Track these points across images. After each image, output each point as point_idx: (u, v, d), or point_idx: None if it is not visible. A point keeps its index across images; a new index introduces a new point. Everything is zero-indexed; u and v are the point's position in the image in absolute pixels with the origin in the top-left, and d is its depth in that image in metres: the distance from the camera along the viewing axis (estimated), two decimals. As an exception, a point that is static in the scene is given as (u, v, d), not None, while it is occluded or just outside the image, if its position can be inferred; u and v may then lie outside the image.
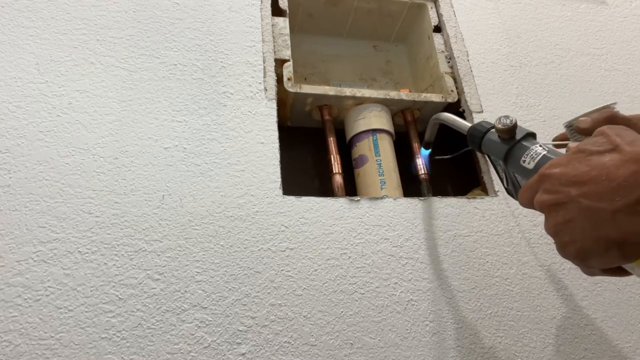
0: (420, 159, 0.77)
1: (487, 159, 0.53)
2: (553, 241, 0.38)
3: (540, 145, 0.44)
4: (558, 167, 0.37)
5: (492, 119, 0.78)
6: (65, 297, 0.52)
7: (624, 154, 0.33)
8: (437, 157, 0.72)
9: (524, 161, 0.44)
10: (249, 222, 0.61)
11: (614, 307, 0.67)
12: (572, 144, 0.41)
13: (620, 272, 0.37)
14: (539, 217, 0.71)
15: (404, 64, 0.98)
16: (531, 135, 0.47)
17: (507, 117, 0.47)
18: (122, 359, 0.50)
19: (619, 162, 0.33)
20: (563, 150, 0.43)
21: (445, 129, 0.63)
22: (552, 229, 0.37)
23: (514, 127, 0.46)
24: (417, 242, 0.65)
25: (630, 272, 0.36)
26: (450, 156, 0.69)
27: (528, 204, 0.41)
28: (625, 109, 0.49)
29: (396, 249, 0.64)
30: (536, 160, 0.43)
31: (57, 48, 0.66)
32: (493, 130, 0.49)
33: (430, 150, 0.71)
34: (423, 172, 0.76)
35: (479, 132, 0.51)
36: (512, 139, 0.47)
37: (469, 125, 0.54)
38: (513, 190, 0.50)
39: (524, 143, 0.46)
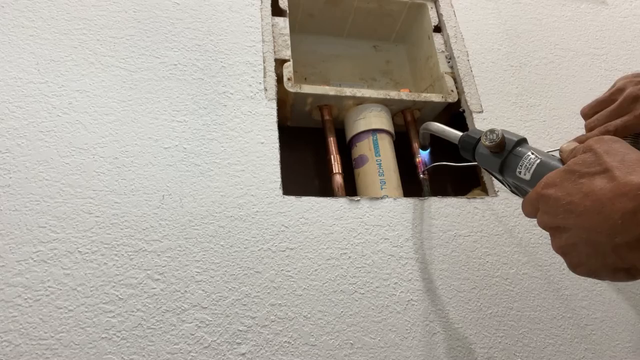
0: (420, 162, 0.77)
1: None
2: (554, 244, 0.38)
3: (532, 153, 0.44)
4: (552, 188, 0.37)
5: (492, 119, 0.79)
6: (65, 297, 0.52)
7: (615, 185, 0.33)
8: (444, 163, 0.71)
9: (520, 172, 0.44)
10: (249, 222, 0.61)
11: (614, 307, 0.67)
12: (565, 146, 0.41)
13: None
14: (539, 217, 0.71)
15: (404, 64, 0.98)
16: (522, 141, 0.46)
17: (492, 131, 0.46)
18: (122, 359, 0.50)
19: (611, 195, 0.33)
20: (556, 153, 0.43)
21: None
22: (559, 250, 0.38)
23: (502, 141, 0.46)
24: (417, 242, 0.65)
25: None
26: (457, 165, 0.68)
27: (531, 217, 0.41)
28: (625, 109, 0.49)
29: (396, 249, 0.64)
30: (531, 171, 0.43)
31: (57, 48, 0.66)
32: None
33: (428, 150, 0.71)
34: (424, 174, 0.76)
35: (469, 145, 0.51)
36: (502, 151, 0.46)
37: (459, 134, 0.53)
38: (517, 192, 0.50)
39: (516, 153, 0.45)
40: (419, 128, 0.82)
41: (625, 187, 0.32)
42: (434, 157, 0.76)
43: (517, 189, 0.49)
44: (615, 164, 0.34)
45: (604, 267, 0.35)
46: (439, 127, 0.60)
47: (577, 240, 0.35)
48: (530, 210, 0.41)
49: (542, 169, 0.42)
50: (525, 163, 0.44)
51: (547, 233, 0.39)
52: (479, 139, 0.49)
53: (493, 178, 0.74)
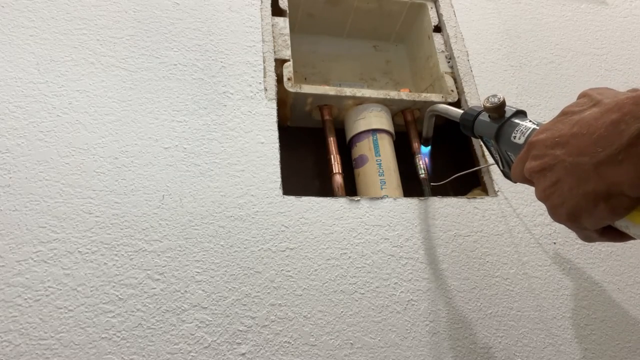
0: (421, 160, 0.77)
1: (483, 144, 0.53)
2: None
3: (531, 121, 0.44)
4: (544, 133, 0.37)
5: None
6: (65, 297, 0.52)
7: (603, 106, 0.33)
8: (433, 184, 0.74)
9: (515, 137, 0.44)
10: (249, 222, 0.61)
11: (614, 307, 0.67)
12: None
13: (616, 235, 0.36)
14: (539, 217, 0.71)
15: (404, 64, 0.98)
16: (522, 113, 0.47)
17: (495, 95, 0.47)
18: (122, 359, 0.50)
19: (598, 114, 0.32)
20: None
21: (443, 126, 0.63)
22: (542, 194, 0.37)
23: (502, 105, 0.46)
24: (417, 242, 0.65)
25: (625, 231, 0.35)
26: (445, 182, 0.71)
27: (521, 177, 0.40)
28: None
29: (396, 249, 0.64)
30: (526, 135, 0.43)
31: (57, 48, 0.66)
32: (484, 112, 0.50)
33: (430, 147, 0.71)
34: (423, 173, 0.76)
35: (471, 117, 0.52)
36: (501, 117, 0.47)
37: (461, 112, 0.55)
38: (509, 171, 0.50)
39: (514, 120, 0.46)
40: (419, 128, 0.82)
41: (611, 104, 0.32)
42: (433, 161, 0.76)
43: (509, 165, 0.49)
44: (607, 97, 0.34)
45: (584, 197, 0.33)
46: (443, 107, 0.62)
47: (561, 174, 0.34)
48: (520, 169, 0.40)
49: None
50: (521, 128, 0.44)
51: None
52: (479, 112, 0.50)
53: (493, 178, 0.74)
